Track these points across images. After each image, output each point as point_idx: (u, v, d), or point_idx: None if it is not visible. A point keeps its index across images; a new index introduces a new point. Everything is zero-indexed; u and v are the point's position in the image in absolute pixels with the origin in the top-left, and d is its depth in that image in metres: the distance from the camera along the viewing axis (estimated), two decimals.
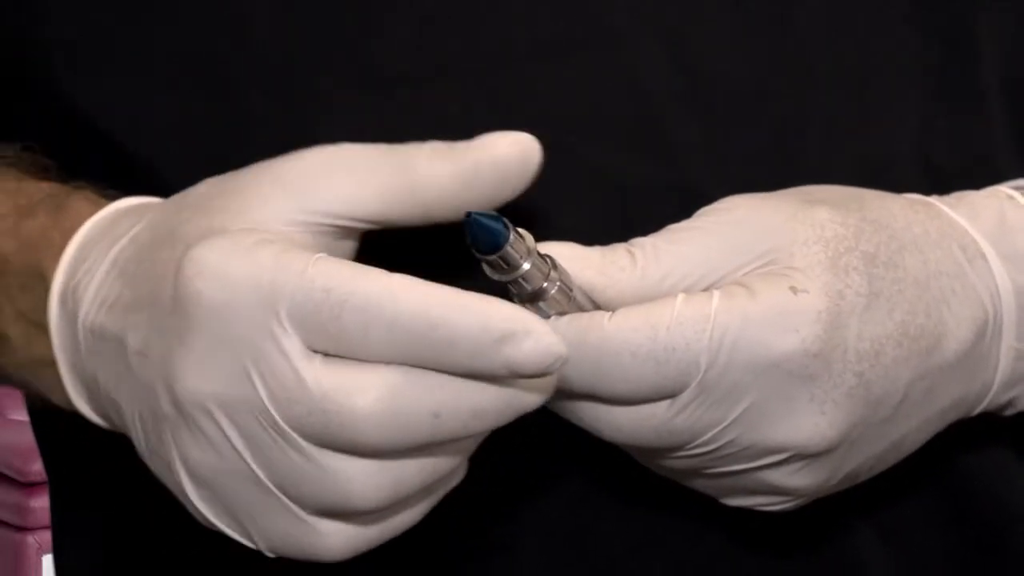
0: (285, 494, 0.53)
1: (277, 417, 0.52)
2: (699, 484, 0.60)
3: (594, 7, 0.64)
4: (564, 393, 0.57)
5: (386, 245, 0.58)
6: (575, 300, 0.56)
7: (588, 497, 0.64)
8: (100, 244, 0.58)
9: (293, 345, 0.51)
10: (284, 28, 0.64)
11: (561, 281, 0.56)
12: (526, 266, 0.54)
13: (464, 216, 0.53)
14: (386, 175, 0.55)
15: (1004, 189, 0.64)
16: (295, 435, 0.52)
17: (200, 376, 0.52)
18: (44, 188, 0.64)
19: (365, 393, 0.51)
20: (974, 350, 0.60)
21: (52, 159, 0.68)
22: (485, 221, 0.53)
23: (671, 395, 0.56)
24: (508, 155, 0.56)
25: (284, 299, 0.51)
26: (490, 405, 0.52)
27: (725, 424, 0.56)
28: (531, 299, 0.56)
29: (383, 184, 0.55)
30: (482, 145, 0.55)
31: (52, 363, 0.60)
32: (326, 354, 0.52)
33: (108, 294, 0.57)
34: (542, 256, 0.55)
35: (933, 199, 0.63)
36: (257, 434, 0.52)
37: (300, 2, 0.64)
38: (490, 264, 0.54)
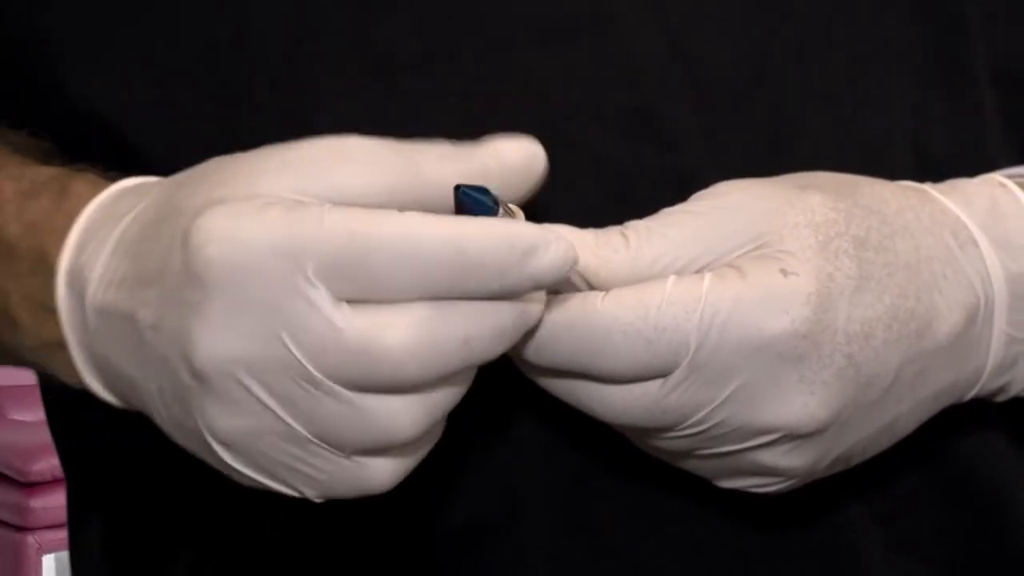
0: (326, 443, 0.54)
1: (312, 369, 0.52)
2: (692, 466, 0.61)
3: None
4: (559, 372, 0.58)
5: None
6: (569, 280, 0.57)
7: (587, 477, 0.65)
8: (104, 225, 0.59)
9: (321, 296, 0.52)
10: (285, 16, 0.64)
11: None
12: None
13: (453, 188, 0.54)
14: (393, 170, 0.55)
15: (997, 177, 0.64)
16: (332, 384, 0.53)
17: (222, 342, 0.53)
18: (47, 172, 0.64)
19: (399, 330, 0.52)
20: (965, 334, 0.60)
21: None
22: (473, 193, 0.54)
23: (662, 374, 0.56)
24: (514, 159, 0.56)
25: (307, 252, 0.52)
26: (509, 323, 0.54)
27: (715, 404, 0.56)
28: None
29: (390, 179, 0.55)
30: (488, 149, 0.56)
31: (62, 345, 0.60)
32: (349, 300, 0.52)
33: (114, 273, 0.57)
34: None
35: (927, 186, 0.63)
36: (290, 390, 0.53)
37: None
38: None
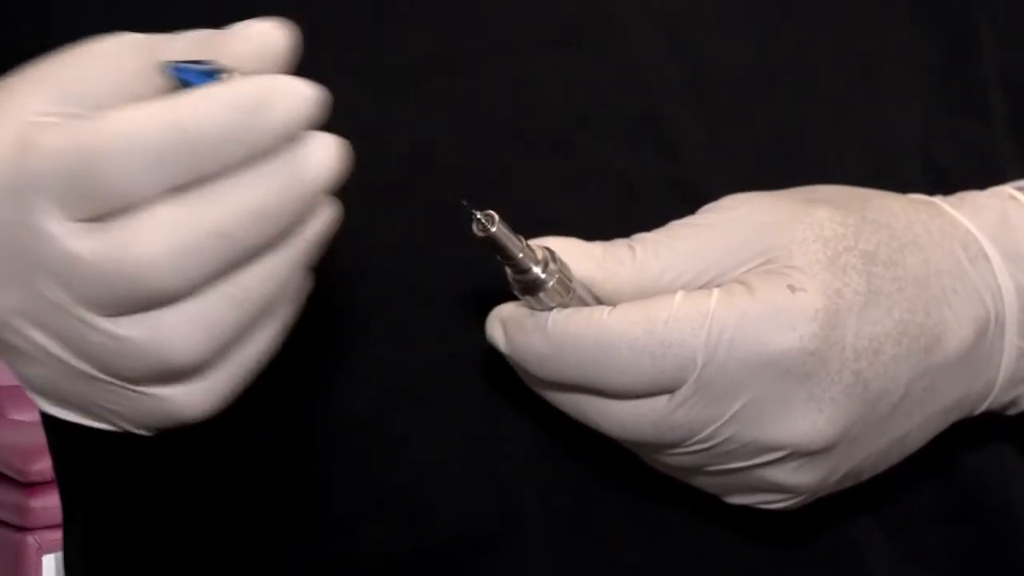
0: (117, 378, 0.51)
1: (74, 307, 0.50)
2: (701, 482, 0.60)
3: (598, 0, 0.64)
4: (565, 387, 0.57)
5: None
6: (575, 293, 0.56)
7: (590, 486, 0.64)
8: None
9: (57, 227, 0.48)
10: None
11: (560, 273, 0.56)
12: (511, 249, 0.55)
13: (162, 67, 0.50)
14: (139, 61, 0.51)
15: (1007, 189, 0.64)
16: (96, 318, 0.50)
17: None
18: None
19: (146, 241, 0.48)
20: (976, 349, 0.60)
21: None
22: (186, 66, 0.49)
23: (668, 390, 0.56)
24: (260, 33, 0.50)
25: (33, 183, 0.48)
26: (269, 197, 0.49)
27: (723, 421, 0.56)
28: (529, 290, 0.56)
29: (136, 70, 0.51)
30: (232, 30, 0.51)
31: None
32: (94, 219, 0.49)
33: None
34: (534, 247, 0.55)
35: (937, 199, 0.63)
36: (66, 331, 0.50)
37: None
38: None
